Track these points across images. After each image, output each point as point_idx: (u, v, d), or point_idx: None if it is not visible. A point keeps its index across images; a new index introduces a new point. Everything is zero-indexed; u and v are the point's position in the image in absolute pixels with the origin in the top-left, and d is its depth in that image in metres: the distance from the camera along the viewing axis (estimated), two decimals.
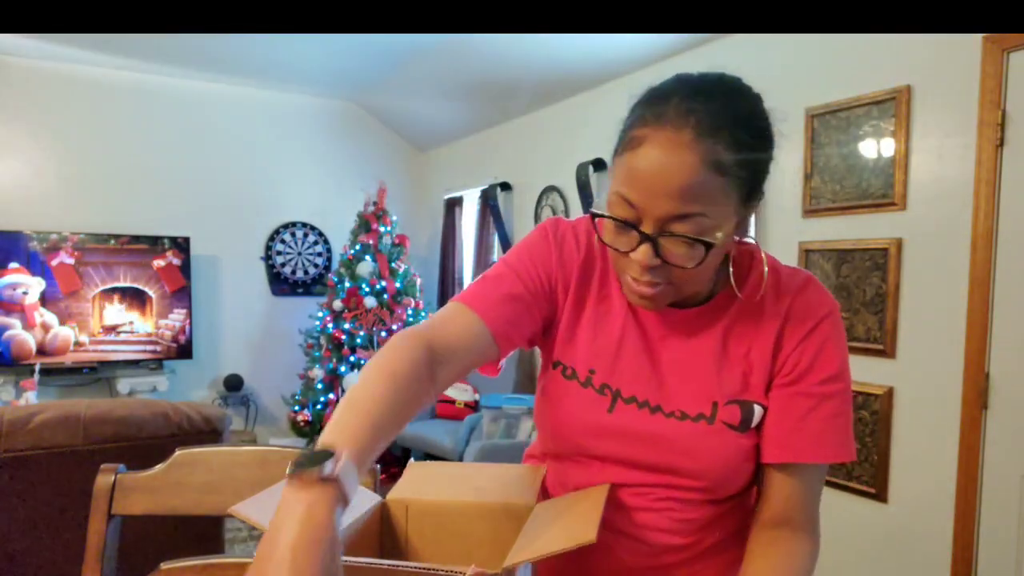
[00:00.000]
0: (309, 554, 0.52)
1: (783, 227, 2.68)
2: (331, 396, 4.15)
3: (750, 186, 0.73)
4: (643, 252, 0.72)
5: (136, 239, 4.13)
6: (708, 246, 0.70)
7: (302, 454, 0.58)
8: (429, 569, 0.63)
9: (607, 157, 3.71)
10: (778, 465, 0.79)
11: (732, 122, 0.70)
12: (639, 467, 0.81)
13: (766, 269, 0.83)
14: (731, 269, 0.81)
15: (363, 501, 0.82)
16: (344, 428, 0.62)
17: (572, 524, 0.70)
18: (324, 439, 0.61)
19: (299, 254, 4.85)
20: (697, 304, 0.83)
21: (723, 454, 0.78)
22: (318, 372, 4.18)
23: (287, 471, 0.57)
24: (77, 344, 3.98)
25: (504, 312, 0.81)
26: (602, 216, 0.74)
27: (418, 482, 0.91)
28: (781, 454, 0.78)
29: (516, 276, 0.83)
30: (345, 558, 0.64)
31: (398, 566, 0.67)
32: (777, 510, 0.79)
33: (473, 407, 4.02)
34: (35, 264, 3.86)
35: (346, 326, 4.16)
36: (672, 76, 0.76)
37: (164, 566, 0.97)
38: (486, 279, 0.84)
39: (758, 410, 0.79)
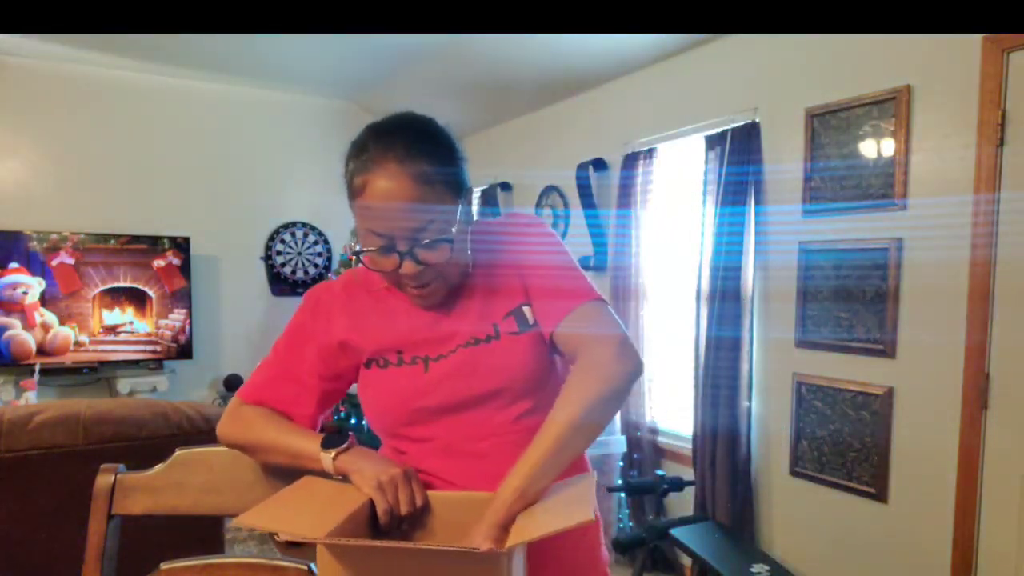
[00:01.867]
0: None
1: (783, 227, 2.68)
2: None
3: (456, 183, 0.92)
4: (407, 266, 0.89)
5: (136, 239, 4.13)
6: (450, 241, 0.89)
7: (327, 437, 0.94)
8: (445, 548, 0.64)
9: (607, 157, 3.73)
10: (559, 332, 0.96)
11: (421, 145, 0.89)
12: (467, 406, 0.96)
13: (469, 252, 0.99)
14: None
15: None
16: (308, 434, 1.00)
17: (567, 506, 0.74)
18: (305, 445, 0.97)
19: (299, 254, 4.85)
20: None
21: (522, 353, 0.96)
22: None
23: (321, 446, 0.94)
24: (77, 344, 3.97)
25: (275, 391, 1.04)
26: (363, 252, 0.91)
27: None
28: (551, 323, 0.96)
29: (279, 361, 1.06)
30: (357, 541, 0.71)
31: (410, 546, 0.68)
32: (576, 356, 0.95)
33: None
34: (35, 264, 3.86)
35: None
36: (365, 127, 0.95)
37: (164, 566, 0.97)
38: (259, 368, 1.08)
39: (527, 310, 0.98)
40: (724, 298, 2.81)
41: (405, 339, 1.00)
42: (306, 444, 0.96)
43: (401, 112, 0.97)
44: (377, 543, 0.68)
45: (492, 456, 0.95)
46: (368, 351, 1.01)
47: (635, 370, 0.93)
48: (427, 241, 0.88)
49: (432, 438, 0.98)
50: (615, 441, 3.27)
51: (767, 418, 2.79)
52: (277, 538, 0.65)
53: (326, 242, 4.93)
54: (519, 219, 1.07)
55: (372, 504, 0.87)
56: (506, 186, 4.43)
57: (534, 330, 0.98)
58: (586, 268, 3.30)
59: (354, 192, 0.91)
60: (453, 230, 0.90)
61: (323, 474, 0.93)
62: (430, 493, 0.91)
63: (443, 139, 0.94)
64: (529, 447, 0.86)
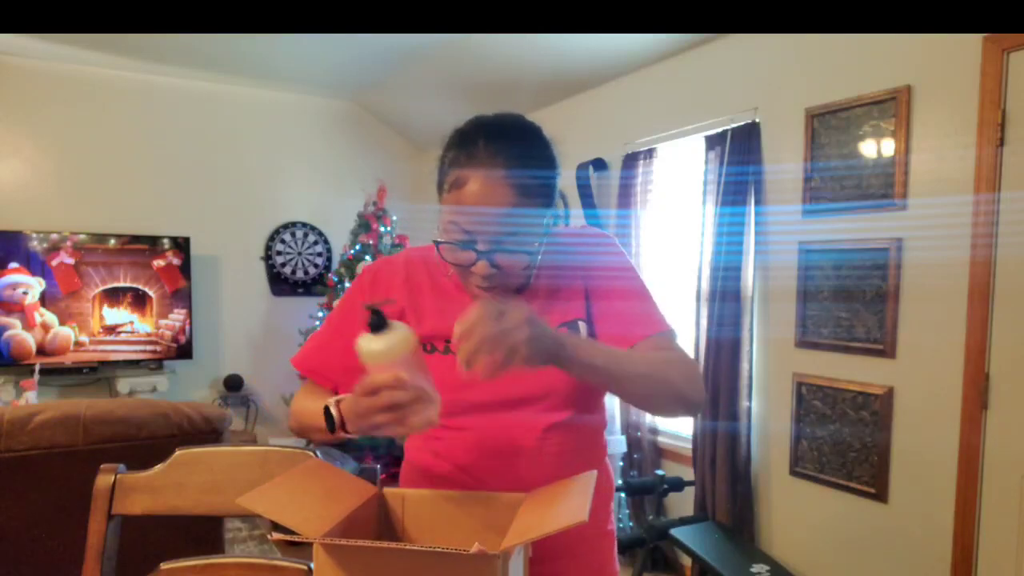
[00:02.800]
0: None
1: (783, 227, 2.68)
2: None
3: (549, 199, 0.93)
4: (481, 266, 0.90)
5: (136, 239, 4.13)
6: (530, 253, 0.91)
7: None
8: (435, 550, 0.64)
9: (607, 157, 3.72)
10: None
11: (528, 155, 0.91)
12: (506, 407, 0.95)
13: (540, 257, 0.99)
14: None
15: None
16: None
17: (563, 507, 0.74)
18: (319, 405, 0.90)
19: (299, 254, 4.85)
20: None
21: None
22: None
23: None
24: (77, 344, 3.97)
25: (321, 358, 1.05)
26: (443, 243, 0.92)
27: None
28: (621, 343, 0.95)
29: (332, 329, 1.06)
30: (352, 541, 0.68)
31: (405, 548, 0.68)
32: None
33: None
34: (35, 264, 3.86)
35: None
36: (471, 119, 0.96)
37: (164, 566, 0.97)
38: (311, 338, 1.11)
39: (582, 325, 0.98)
40: (724, 298, 2.81)
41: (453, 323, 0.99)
42: (319, 403, 0.90)
43: (510, 113, 0.98)
44: (372, 544, 0.69)
45: (523, 459, 0.95)
46: (419, 332, 0.99)
47: (702, 400, 0.94)
48: (508, 249, 0.89)
49: (467, 430, 0.97)
50: (615, 441, 3.27)
51: (767, 418, 2.79)
52: (272, 538, 0.63)
53: (326, 242, 4.93)
54: (590, 232, 1.08)
55: (375, 502, 0.87)
56: None
57: None
58: None
59: (450, 184, 0.92)
60: (536, 244, 0.92)
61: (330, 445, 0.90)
62: (440, 493, 0.90)
63: (548, 152, 0.95)
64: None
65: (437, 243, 0.93)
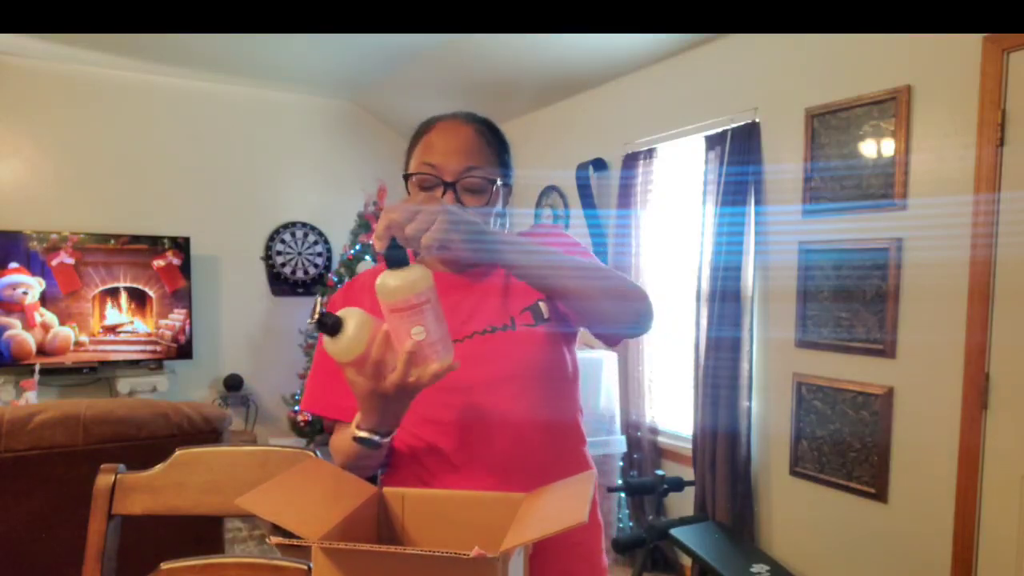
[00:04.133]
0: None
1: (783, 227, 2.68)
2: None
3: (504, 163, 1.04)
4: (448, 198, 0.96)
5: (136, 239, 4.13)
6: (492, 183, 0.99)
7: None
8: (433, 553, 0.64)
9: (607, 157, 3.72)
10: None
11: (484, 120, 1.05)
12: (479, 391, 0.97)
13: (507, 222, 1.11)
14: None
15: None
16: None
17: (563, 508, 0.74)
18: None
19: (299, 254, 4.85)
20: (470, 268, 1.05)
21: (536, 344, 1.00)
22: None
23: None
24: (77, 344, 3.97)
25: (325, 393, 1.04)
26: (413, 175, 0.99)
27: None
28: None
29: (318, 364, 1.06)
30: (351, 544, 0.68)
31: (404, 551, 0.69)
32: None
33: None
34: (35, 264, 3.86)
35: None
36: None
37: (164, 566, 0.97)
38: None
39: (542, 305, 1.01)
40: (724, 298, 2.81)
41: None
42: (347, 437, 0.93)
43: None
44: (371, 547, 0.69)
45: (500, 441, 0.97)
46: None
47: (647, 303, 0.95)
48: (472, 180, 0.97)
49: (444, 421, 0.98)
50: (615, 441, 3.27)
51: (767, 418, 2.79)
52: (271, 541, 0.63)
53: (326, 242, 4.93)
54: (543, 226, 1.14)
55: (375, 502, 0.87)
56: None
57: (548, 325, 1.01)
58: None
59: (418, 135, 1.03)
60: (495, 186, 1.00)
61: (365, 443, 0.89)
62: (440, 492, 0.90)
63: (499, 130, 1.08)
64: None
65: (406, 176, 1.01)
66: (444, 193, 0.97)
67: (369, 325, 0.79)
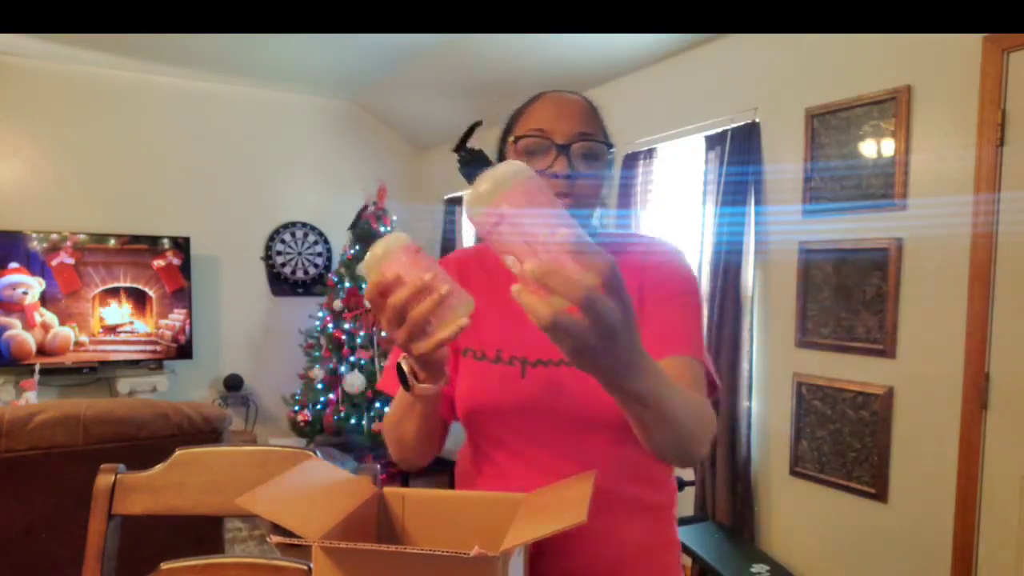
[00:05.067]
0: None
1: (783, 227, 2.68)
2: (331, 396, 4.15)
3: (607, 138, 0.96)
4: (560, 164, 0.89)
5: (136, 239, 4.13)
6: (609, 147, 0.94)
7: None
8: (433, 552, 0.64)
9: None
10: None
11: (588, 99, 0.98)
12: (568, 428, 0.89)
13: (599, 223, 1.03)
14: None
15: None
16: None
17: (563, 508, 0.74)
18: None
19: (299, 254, 4.85)
20: None
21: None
22: (318, 372, 4.18)
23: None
24: (77, 344, 3.97)
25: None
26: (522, 137, 0.92)
27: None
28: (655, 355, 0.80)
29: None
30: (351, 544, 0.68)
31: (404, 550, 0.68)
32: None
33: None
34: (35, 264, 3.86)
35: (346, 326, 4.16)
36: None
37: (164, 566, 0.97)
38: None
39: None
40: (724, 298, 2.81)
41: (509, 332, 0.94)
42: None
43: None
44: (370, 547, 0.69)
45: (594, 501, 0.85)
46: (471, 339, 0.96)
47: (702, 458, 0.85)
48: (585, 144, 0.91)
49: (522, 451, 0.92)
50: None
51: (767, 418, 2.79)
52: (271, 541, 0.62)
53: (326, 242, 4.93)
54: (661, 244, 1.06)
55: (375, 502, 0.87)
56: None
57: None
58: None
59: (518, 114, 0.96)
60: (607, 154, 0.94)
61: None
62: (440, 492, 0.89)
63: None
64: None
65: (517, 138, 0.93)
66: (556, 158, 0.89)
67: (525, 171, 0.61)
